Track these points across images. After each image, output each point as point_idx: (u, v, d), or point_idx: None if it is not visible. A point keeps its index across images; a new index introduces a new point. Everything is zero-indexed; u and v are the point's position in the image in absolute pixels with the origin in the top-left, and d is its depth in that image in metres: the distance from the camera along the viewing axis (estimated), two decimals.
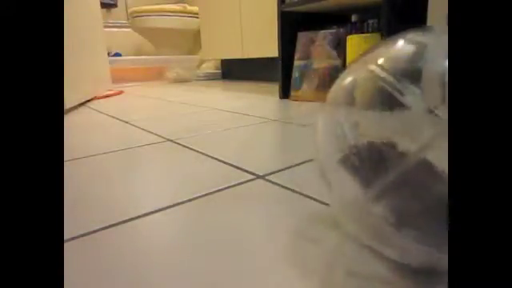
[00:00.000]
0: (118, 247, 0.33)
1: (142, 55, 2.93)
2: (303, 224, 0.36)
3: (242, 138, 0.74)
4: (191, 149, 0.67)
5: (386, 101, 0.24)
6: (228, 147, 0.67)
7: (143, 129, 0.89)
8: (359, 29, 1.16)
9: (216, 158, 0.60)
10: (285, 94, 1.36)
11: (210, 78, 2.72)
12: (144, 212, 0.40)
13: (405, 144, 0.23)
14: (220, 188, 0.46)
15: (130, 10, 2.76)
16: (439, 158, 0.21)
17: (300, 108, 1.11)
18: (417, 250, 0.24)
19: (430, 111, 0.22)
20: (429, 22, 0.85)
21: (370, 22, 1.13)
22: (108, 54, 2.10)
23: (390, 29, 0.95)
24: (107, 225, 0.37)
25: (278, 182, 0.48)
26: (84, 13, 1.48)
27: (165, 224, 0.37)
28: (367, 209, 0.25)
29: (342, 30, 1.20)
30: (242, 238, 0.34)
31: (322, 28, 1.26)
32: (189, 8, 2.70)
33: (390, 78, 0.23)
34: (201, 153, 0.64)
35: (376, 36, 1.07)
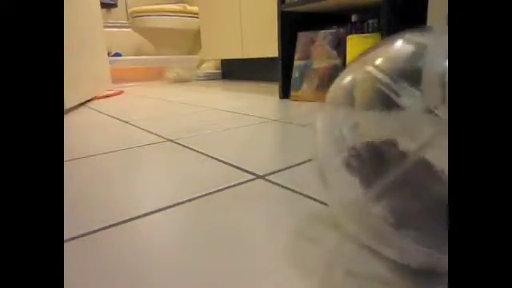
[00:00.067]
0: (118, 247, 0.33)
1: (142, 55, 2.93)
2: (303, 224, 0.36)
3: (241, 138, 0.74)
4: (191, 149, 0.67)
5: (384, 102, 0.24)
6: (228, 147, 0.67)
7: (143, 129, 0.89)
8: (359, 29, 1.16)
9: (216, 158, 0.60)
10: (285, 93, 1.36)
11: (210, 78, 2.72)
12: (144, 212, 0.40)
13: (404, 143, 0.23)
14: (220, 188, 0.46)
15: (129, 10, 2.76)
16: (439, 157, 0.21)
17: (300, 108, 1.11)
18: (416, 251, 0.24)
19: (430, 111, 0.22)
20: (429, 22, 0.85)
21: (370, 21, 1.13)
22: (108, 53, 2.10)
23: (390, 29, 0.95)
24: (107, 225, 0.37)
25: (278, 181, 0.48)
26: (84, 13, 1.48)
27: (165, 224, 0.37)
28: (367, 209, 0.25)
29: (342, 29, 1.20)
30: (241, 237, 0.34)
31: (322, 28, 1.26)
32: (189, 8, 2.70)
33: (387, 80, 0.23)
34: (201, 153, 0.64)
35: (376, 36, 1.07)
